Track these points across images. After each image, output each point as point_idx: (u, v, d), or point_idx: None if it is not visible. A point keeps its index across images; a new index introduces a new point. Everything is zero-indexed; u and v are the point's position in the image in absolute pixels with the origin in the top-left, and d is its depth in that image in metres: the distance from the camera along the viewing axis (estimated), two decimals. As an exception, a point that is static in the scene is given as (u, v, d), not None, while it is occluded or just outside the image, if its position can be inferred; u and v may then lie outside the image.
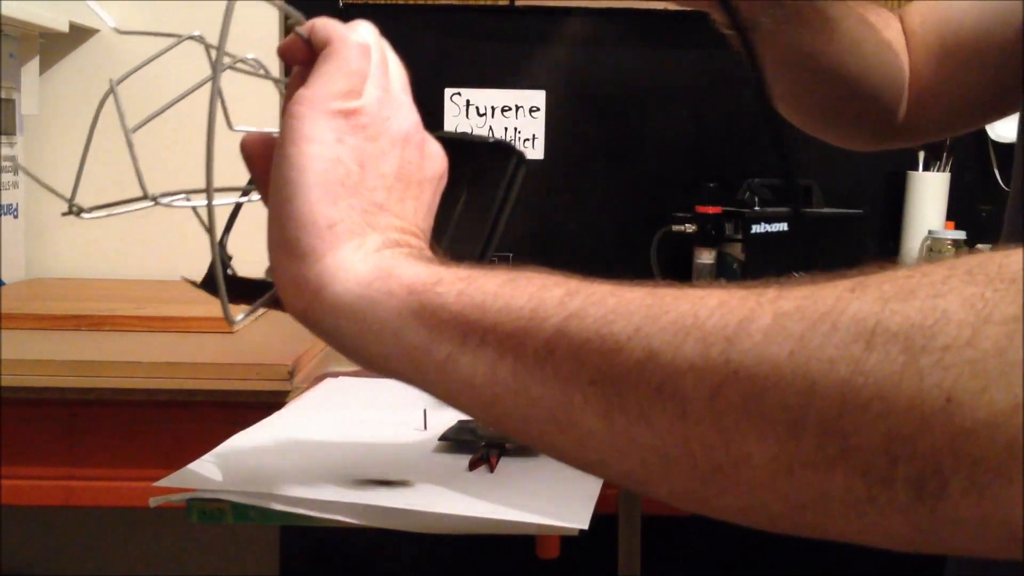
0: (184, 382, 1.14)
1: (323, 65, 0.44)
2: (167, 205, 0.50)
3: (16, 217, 1.67)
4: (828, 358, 0.28)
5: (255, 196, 0.51)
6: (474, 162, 0.52)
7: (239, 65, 0.50)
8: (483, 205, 0.53)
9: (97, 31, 1.71)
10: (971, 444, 0.26)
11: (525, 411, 0.35)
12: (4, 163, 1.63)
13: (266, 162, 0.45)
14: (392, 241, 0.42)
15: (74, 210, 0.50)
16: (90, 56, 1.73)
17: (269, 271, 0.43)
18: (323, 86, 0.44)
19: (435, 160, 0.47)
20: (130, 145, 0.47)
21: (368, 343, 0.40)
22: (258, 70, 0.51)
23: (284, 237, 0.41)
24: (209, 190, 0.44)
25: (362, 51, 0.45)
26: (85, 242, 1.76)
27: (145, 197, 0.49)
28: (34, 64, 1.68)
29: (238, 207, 0.54)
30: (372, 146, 0.43)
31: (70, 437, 1.21)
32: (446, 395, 0.38)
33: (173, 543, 1.80)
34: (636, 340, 0.32)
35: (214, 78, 0.43)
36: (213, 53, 0.44)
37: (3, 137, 1.61)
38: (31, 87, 1.67)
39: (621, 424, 0.32)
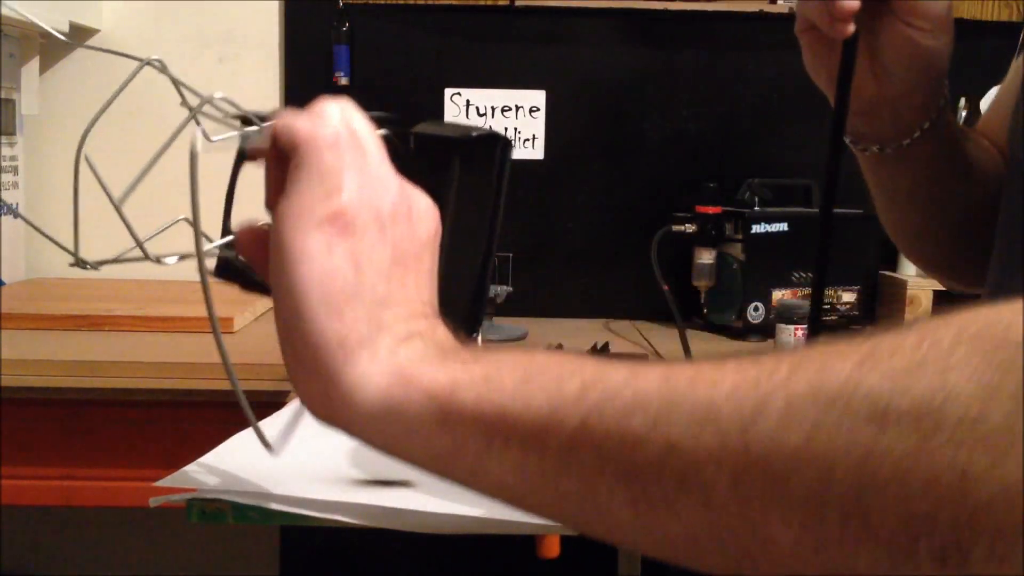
0: (184, 382, 1.14)
1: (297, 174, 0.43)
2: (165, 263, 0.50)
3: (16, 217, 1.67)
4: (844, 442, 0.29)
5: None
6: (460, 158, 0.52)
7: (212, 109, 0.48)
8: (477, 199, 0.52)
9: (97, 31, 1.71)
10: (988, 517, 0.27)
11: (559, 504, 0.36)
12: (4, 163, 1.63)
13: (263, 253, 0.45)
14: (402, 336, 0.42)
15: (80, 264, 0.50)
16: (90, 56, 1.73)
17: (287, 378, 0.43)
18: (304, 197, 0.43)
19: (426, 220, 0.46)
20: (118, 210, 0.47)
21: (397, 449, 0.41)
22: (227, 112, 0.48)
23: (297, 358, 0.42)
24: (199, 249, 0.44)
25: (332, 146, 0.44)
26: (85, 242, 1.75)
27: (147, 258, 0.49)
28: (34, 64, 1.68)
29: (234, 180, 0.52)
30: (363, 242, 0.43)
31: (70, 437, 1.21)
32: (482, 493, 0.39)
33: (173, 543, 1.80)
34: (655, 433, 0.33)
35: (192, 165, 0.43)
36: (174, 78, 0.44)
37: (3, 137, 1.61)
38: (31, 87, 1.68)
39: (648, 515, 0.33)
